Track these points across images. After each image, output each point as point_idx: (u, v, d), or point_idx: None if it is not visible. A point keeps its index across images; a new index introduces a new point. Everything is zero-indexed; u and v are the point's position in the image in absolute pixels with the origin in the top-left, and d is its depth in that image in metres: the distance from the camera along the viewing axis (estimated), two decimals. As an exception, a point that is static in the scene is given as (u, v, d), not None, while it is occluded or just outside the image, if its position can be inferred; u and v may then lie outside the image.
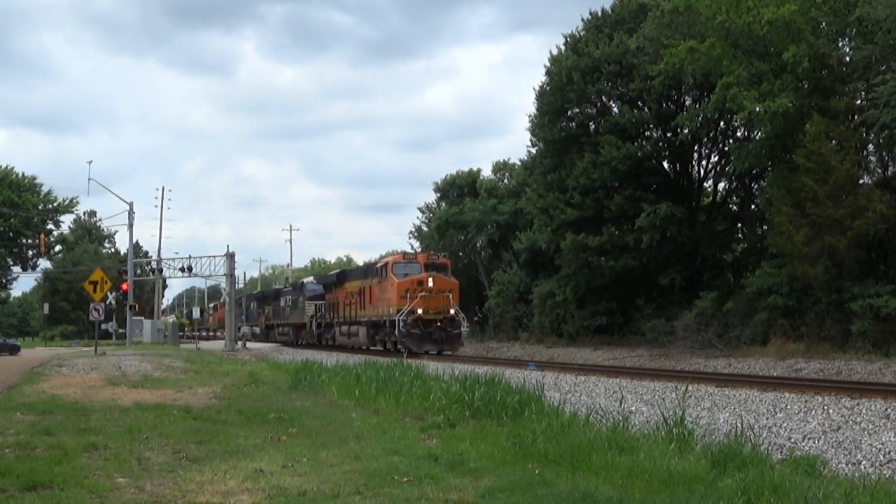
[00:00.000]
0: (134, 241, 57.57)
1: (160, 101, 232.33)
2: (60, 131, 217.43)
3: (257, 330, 66.09)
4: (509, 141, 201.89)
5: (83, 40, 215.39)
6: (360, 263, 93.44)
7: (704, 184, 41.30)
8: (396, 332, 32.18)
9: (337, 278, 43.32)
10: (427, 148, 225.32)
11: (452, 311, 32.70)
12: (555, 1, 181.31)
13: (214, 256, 52.86)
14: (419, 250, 50.56)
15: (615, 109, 39.66)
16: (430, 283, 32.60)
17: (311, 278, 55.89)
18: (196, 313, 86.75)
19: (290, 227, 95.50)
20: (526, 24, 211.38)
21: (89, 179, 76.46)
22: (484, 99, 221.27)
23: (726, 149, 38.22)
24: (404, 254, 36.51)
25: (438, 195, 65.53)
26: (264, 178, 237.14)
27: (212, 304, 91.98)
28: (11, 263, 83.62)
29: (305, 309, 48.14)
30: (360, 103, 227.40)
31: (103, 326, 49.12)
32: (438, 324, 32.26)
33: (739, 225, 40.82)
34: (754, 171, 35.74)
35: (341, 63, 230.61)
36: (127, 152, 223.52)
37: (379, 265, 35.60)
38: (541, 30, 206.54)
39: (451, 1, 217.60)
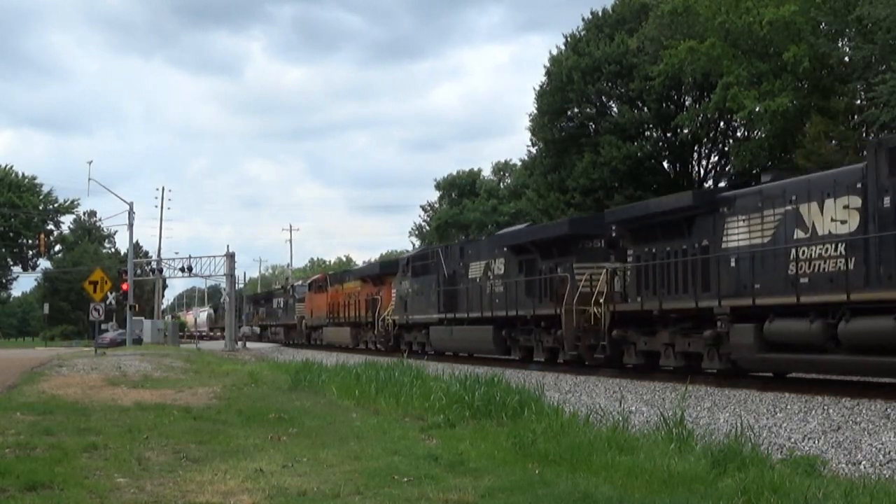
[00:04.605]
0: (134, 241, 57.67)
1: (167, 101, 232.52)
2: (66, 132, 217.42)
3: (257, 329, 64.64)
4: (515, 141, 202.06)
5: (91, 40, 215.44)
6: (361, 264, 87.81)
7: (704, 184, 41.28)
8: None
9: None
10: (433, 148, 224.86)
11: None
12: (563, 1, 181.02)
13: (214, 256, 52.98)
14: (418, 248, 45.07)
15: (615, 109, 39.67)
16: None
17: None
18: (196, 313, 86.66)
19: (291, 227, 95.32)
20: (534, 24, 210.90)
21: (89, 179, 76.22)
22: (491, 99, 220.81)
23: (726, 149, 38.25)
24: None
25: (440, 193, 65.51)
26: (268, 178, 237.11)
27: (301, 281, 56.24)
28: (11, 263, 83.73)
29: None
30: (367, 104, 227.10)
31: (103, 327, 49.09)
32: None
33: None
34: (754, 171, 35.73)
35: (349, 63, 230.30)
36: (132, 152, 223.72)
37: None
38: (549, 30, 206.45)
39: (459, 1, 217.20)
